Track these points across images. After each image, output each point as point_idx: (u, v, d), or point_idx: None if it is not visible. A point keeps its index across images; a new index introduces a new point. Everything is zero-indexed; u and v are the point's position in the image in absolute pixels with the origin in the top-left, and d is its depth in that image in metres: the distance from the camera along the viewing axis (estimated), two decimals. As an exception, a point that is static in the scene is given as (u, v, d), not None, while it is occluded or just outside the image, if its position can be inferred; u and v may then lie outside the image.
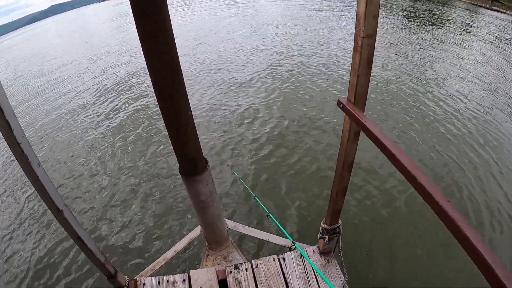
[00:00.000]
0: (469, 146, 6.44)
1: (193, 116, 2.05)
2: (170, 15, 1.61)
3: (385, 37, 14.75)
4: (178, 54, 1.75)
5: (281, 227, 2.73)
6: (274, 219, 2.90)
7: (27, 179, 1.52)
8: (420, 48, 13.54)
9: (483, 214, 4.80)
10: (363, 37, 1.44)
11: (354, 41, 1.52)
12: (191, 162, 2.20)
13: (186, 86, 1.91)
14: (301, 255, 2.81)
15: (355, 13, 1.45)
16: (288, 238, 2.70)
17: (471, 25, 18.96)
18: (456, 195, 5.10)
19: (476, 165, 5.91)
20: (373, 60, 1.53)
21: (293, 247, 2.85)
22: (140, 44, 1.62)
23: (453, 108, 8.07)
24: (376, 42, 1.49)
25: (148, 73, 1.73)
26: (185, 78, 1.86)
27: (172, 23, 1.62)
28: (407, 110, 7.90)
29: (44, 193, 1.56)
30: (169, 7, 1.58)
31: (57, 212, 1.67)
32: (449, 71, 10.87)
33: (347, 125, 1.79)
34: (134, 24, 1.57)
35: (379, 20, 1.43)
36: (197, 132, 2.15)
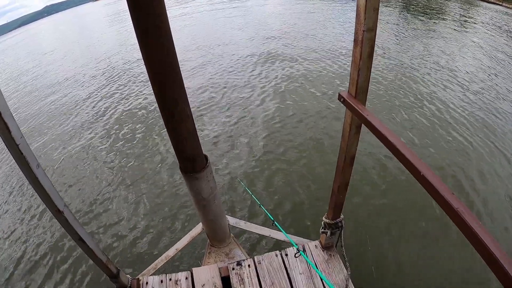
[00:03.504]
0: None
1: (194, 113, 2.03)
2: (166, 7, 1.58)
3: (383, 28, 14.80)
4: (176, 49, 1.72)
5: (286, 235, 2.73)
6: (279, 226, 2.89)
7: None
8: (418, 38, 13.57)
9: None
10: (363, 31, 1.43)
11: (355, 34, 1.50)
12: (191, 160, 2.18)
13: (185, 83, 1.89)
14: (304, 250, 2.81)
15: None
16: (294, 245, 2.70)
17: (468, 17, 18.93)
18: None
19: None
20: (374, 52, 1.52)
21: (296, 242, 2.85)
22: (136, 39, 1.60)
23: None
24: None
25: (145, 68, 1.71)
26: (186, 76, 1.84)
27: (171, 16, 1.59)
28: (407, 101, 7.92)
29: (44, 194, 1.54)
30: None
31: (58, 213, 1.66)
32: (449, 60, 10.95)
33: (348, 119, 1.78)
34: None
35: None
36: (197, 129, 2.13)
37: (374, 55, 1.52)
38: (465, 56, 11.63)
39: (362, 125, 1.64)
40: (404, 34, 14.61)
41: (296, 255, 2.69)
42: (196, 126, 2.10)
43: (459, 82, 9.25)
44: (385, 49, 12.20)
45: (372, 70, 1.55)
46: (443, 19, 18.10)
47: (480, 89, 8.78)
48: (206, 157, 2.32)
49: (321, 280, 2.57)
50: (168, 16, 1.57)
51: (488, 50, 12.17)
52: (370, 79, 1.59)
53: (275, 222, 3.02)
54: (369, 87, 1.61)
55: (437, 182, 1.08)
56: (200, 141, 2.20)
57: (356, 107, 1.56)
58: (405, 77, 9.54)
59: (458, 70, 10.19)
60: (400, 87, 8.92)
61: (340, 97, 1.69)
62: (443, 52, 11.87)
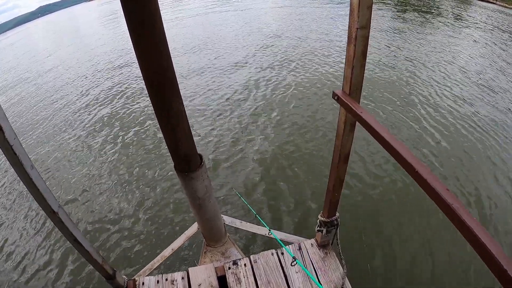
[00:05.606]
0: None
1: (188, 113, 2.03)
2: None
3: (379, 27, 14.90)
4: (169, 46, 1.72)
5: (281, 244, 2.74)
6: (275, 236, 2.91)
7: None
8: (414, 37, 13.65)
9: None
10: (357, 28, 1.43)
11: (348, 32, 1.50)
12: (186, 159, 2.18)
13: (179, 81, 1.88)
14: (299, 249, 2.82)
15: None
16: (289, 254, 2.71)
17: (463, 16, 19.09)
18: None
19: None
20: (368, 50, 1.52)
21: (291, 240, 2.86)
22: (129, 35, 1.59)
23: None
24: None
25: (140, 69, 1.70)
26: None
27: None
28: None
29: (38, 195, 1.53)
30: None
31: (52, 214, 1.64)
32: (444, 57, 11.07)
33: (342, 117, 1.78)
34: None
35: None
36: (191, 128, 2.13)
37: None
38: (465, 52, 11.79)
39: (357, 122, 1.64)
40: (402, 32, 14.68)
41: (292, 264, 2.69)
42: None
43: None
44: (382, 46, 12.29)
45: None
46: (440, 17, 18.24)
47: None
48: (200, 156, 2.31)
49: (317, 277, 2.58)
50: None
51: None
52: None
53: (271, 231, 3.03)
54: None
55: (432, 178, 1.09)
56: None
57: (350, 105, 1.56)
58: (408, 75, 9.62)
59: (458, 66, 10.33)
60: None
61: (334, 95, 1.70)
62: (443, 49, 12.03)
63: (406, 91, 8.55)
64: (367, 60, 1.55)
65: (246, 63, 11.74)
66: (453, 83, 9.04)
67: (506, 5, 23.44)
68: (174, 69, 1.78)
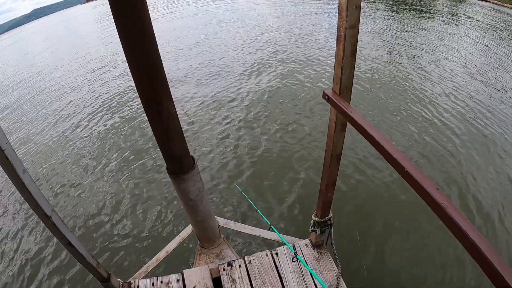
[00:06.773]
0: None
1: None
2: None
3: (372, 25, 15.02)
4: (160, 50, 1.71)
5: (282, 239, 2.74)
6: (276, 231, 2.91)
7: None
8: (409, 34, 13.72)
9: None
10: (346, 28, 1.43)
11: (337, 32, 1.50)
12: (178, 161, 2.18)
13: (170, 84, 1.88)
14: (294, 248, 2.81)
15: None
16: (290, 248, 2.71)
17: (457, 14, 19.22)
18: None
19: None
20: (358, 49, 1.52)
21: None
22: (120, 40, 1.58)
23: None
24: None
25: (129, 69, 1.70)
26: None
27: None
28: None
29: (31, 200, 1.51)
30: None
31: (46, 218, 1.63)
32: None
33: (333, 117, 1.78)
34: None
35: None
36: (183, 130, 2.12)
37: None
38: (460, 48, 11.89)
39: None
40: (398, 29, 14.74)
41: (293, 260, 2.69)
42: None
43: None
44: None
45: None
46: (435, 14, 18.35)
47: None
48: (193, 158, 2.31)
49: (312, 278, 2.57)
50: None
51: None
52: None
53: (272, 227, 3.03)
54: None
55: (422, 177, 1.09)
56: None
57: (340, 105, 1.56)
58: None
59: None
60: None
61: (324, 95, 1.69)
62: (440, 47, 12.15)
63: (408, 87, 8.59)
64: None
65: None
66: (455, 79, 9.14)
67: (500, 3, 23.70)
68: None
